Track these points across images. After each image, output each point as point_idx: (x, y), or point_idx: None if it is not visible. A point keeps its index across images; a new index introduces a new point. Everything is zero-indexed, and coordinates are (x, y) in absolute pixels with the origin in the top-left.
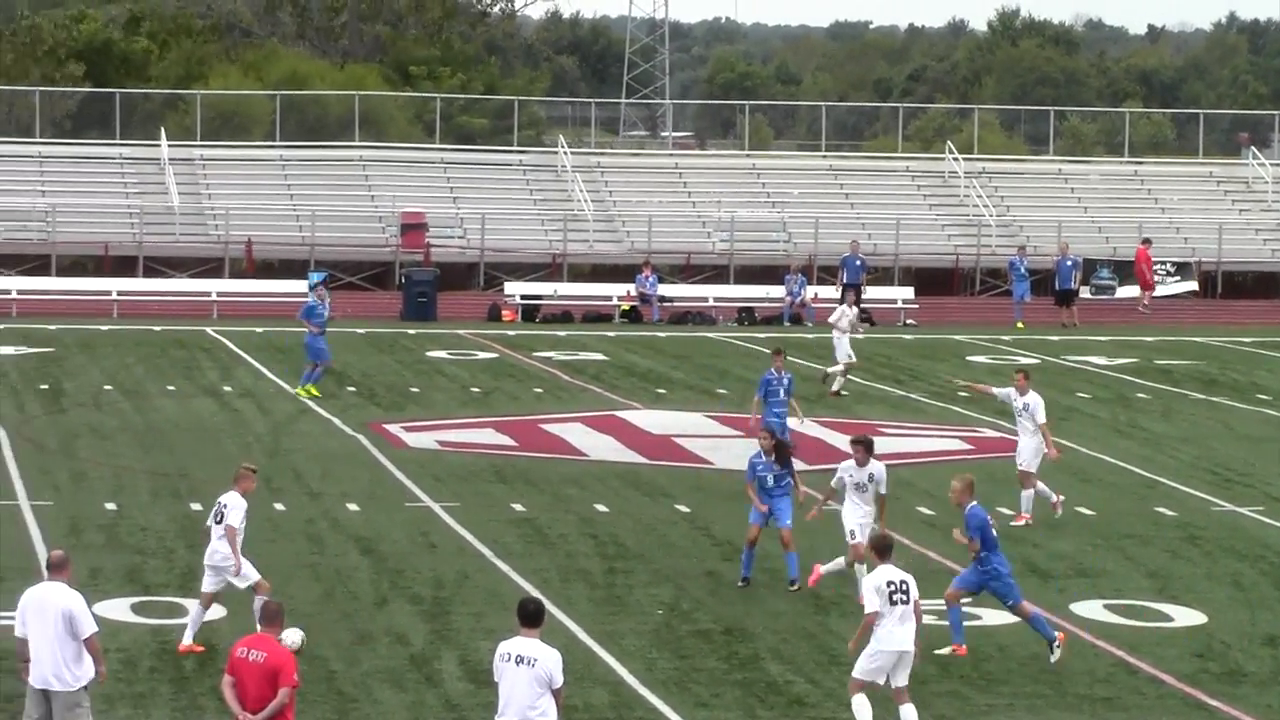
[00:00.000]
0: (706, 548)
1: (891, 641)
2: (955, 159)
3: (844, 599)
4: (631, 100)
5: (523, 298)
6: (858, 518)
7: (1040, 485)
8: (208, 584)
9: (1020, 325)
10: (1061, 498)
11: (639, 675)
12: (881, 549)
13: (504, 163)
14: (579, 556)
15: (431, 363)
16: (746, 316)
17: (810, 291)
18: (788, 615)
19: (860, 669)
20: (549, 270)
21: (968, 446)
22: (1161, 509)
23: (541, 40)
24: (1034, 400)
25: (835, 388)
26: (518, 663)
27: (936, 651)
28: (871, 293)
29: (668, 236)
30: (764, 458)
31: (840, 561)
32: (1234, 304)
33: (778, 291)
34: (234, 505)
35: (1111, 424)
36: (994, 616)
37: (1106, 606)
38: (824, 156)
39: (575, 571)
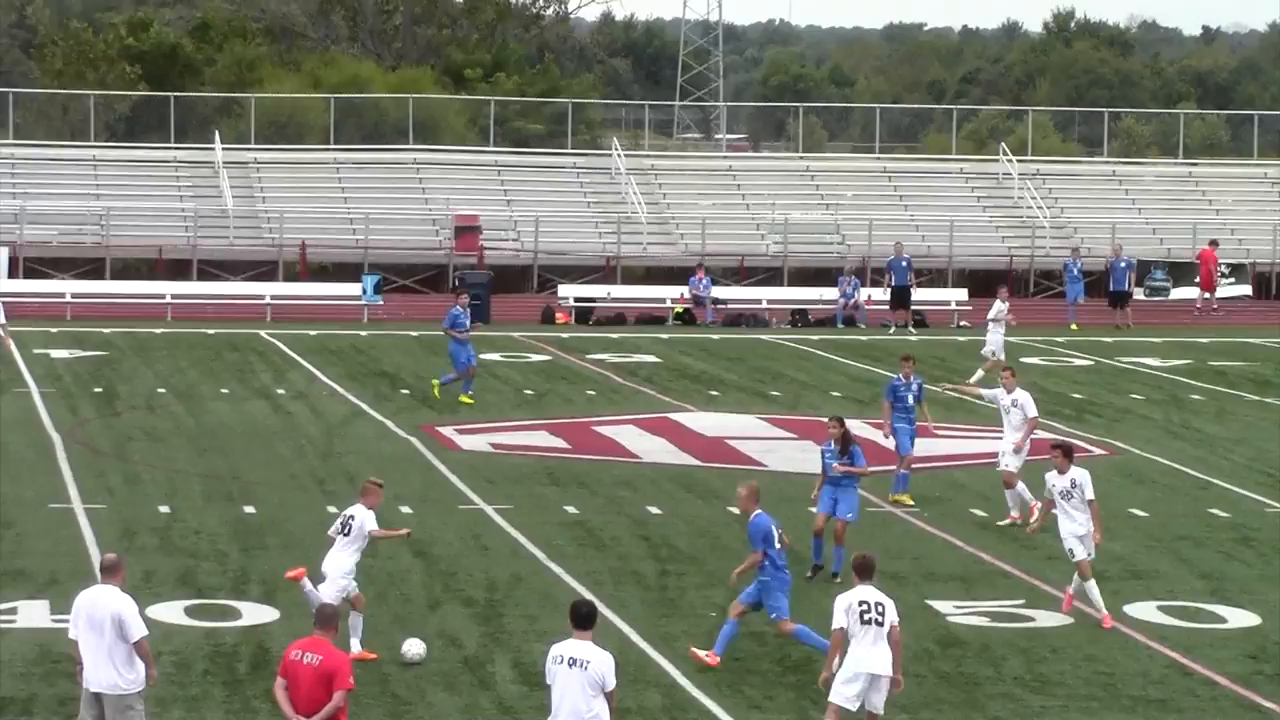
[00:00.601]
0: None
1: (862, 663)
2: (1009, 160)
3: (894, 599)
4: (685, 103)
5: (576, 300)
6: (1071, 530)
7: (1021, 486)
8: (330, 595)
9: (1074, 327)
10: (1039, 504)
11: (691, 678)
12: (861, 569)
13: (558, 165)
14: (631, 558)
15: (485, 365)
16: (800, 318)
17: (864, 293)
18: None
19: (836, 693)
20: (602, 273)
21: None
22: (1215, 510)
23: (595, 43)
24: (1023, 397)
25: (973, 379)
26: (570, 665)
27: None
28: (924, 294)
29: (721, 239)
30: (832, 446)
31: (1082, 584)
32: None
33: (831, 293)
34: (362, 516)
35: (1165, 425)
36: (1047, 619)
37: (1160, 608)
38: (877, 158)
39: (628, 573)
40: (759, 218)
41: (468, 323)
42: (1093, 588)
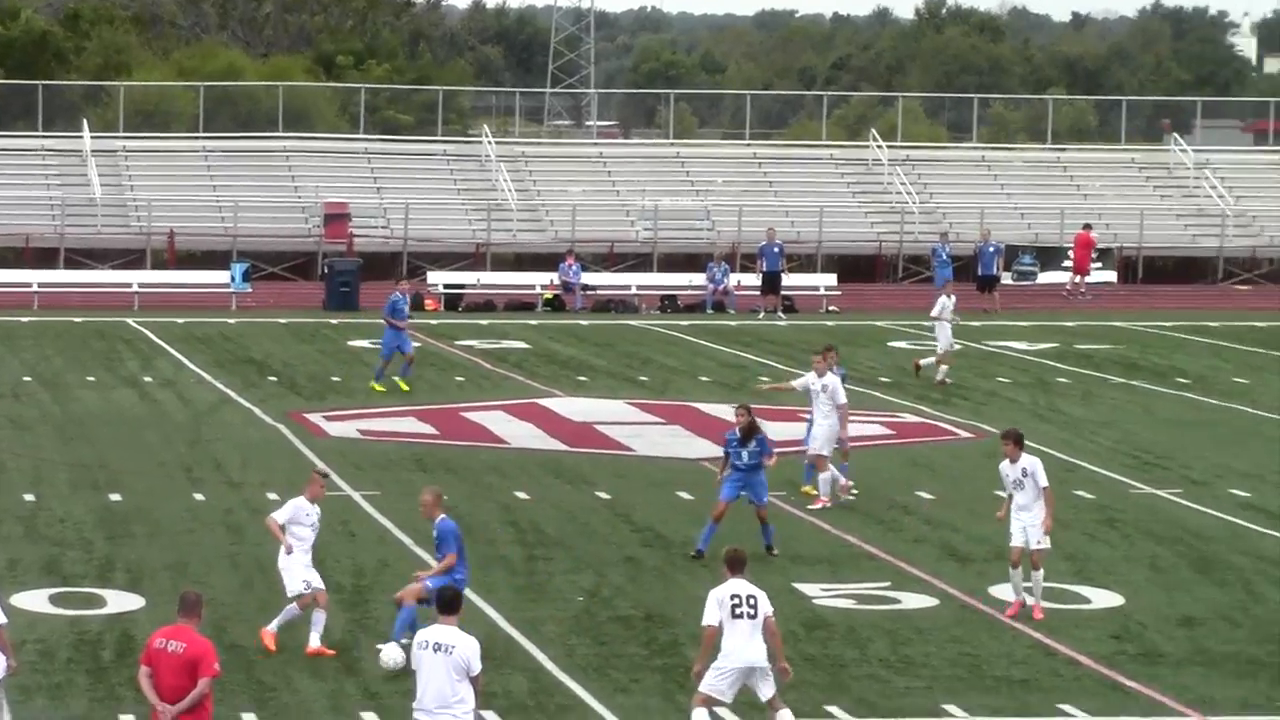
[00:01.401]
0: (627, 534)
1: (738, 657)
2: (879, 147)
3: (762, 583)
4: (556, 90)
5: (446, 287)
6: (1024, 520)
7: (833, 469)
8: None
9: None
10: (851, 483)
11: (559, 661)
12: (733, 563)
13: (428, 153)
14: (499, 544)
15: (353, 352)
16: (669, 304)
17: (733, 279)
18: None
19: (705, 683)
20: (472, 259)
21: (889, 432)
22: (1081, 492)
23: (466, 30)
24: (832, 382)
25: (939, 377)
26: (435, 650)
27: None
28: (794, 280)
29: (591, 225)
30: (736, 435)
31: (1033, 575)
32: (1155, 289)
33: (700, 279)
34: (286, 506)
35: (1032, 408)
36: (913, 600)
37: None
38: (748, 145)
39: (495, 559)
40: (629, 204)
41: (407, 310)
42: (1039, 580)
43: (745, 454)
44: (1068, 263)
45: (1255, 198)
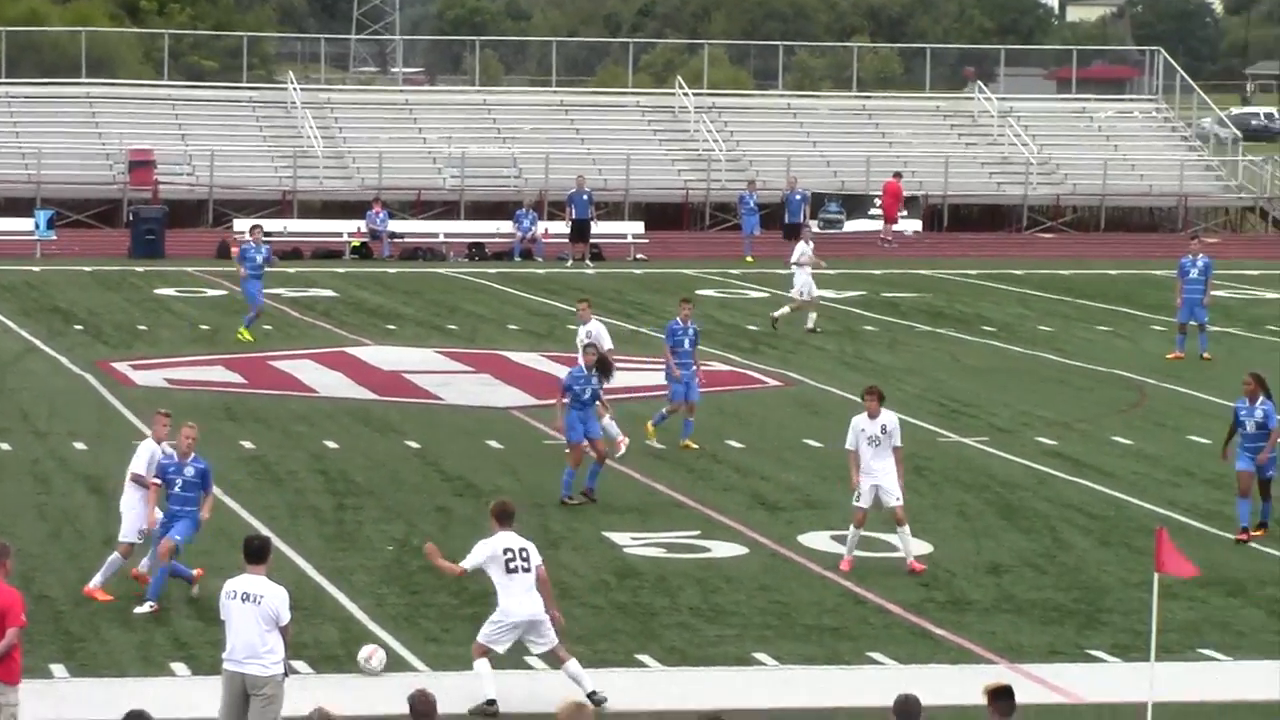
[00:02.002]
0: (437, 483)
1: (516, 611)
2: (685, 94)
3: (573, 532)
4: (361, 36)
5: None
6: (872, 478)
7: (607, 420)
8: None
9: (750, 259)
10: (626, 439)
11: (369, 611)
12: (502, 515)
13: (233, 99)
14: (308, 493)
15: (160, 300)
16: (477, 252)
17: (540, 227)
18: None
19: (483, 634)
20: (279, 207)
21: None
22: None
23: None
24: (597, 329)
25: (809, 325)
26: (244, 600)
27: (137, 611)
28: (602, 228)
29: (398, 173)
30: (584, 372)
31: (854, 534)
32: (959, 237)
33: (508, 227)
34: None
35: (839, 356)
36: (723, 549)
37: (834, 538)
38: (554, 92)
39: (305, 508)
40: (436, 152)
41: (259, 258)
42: (906, 535)
43: (590, 391)
44: (875, 211)
45: (1059, 146)
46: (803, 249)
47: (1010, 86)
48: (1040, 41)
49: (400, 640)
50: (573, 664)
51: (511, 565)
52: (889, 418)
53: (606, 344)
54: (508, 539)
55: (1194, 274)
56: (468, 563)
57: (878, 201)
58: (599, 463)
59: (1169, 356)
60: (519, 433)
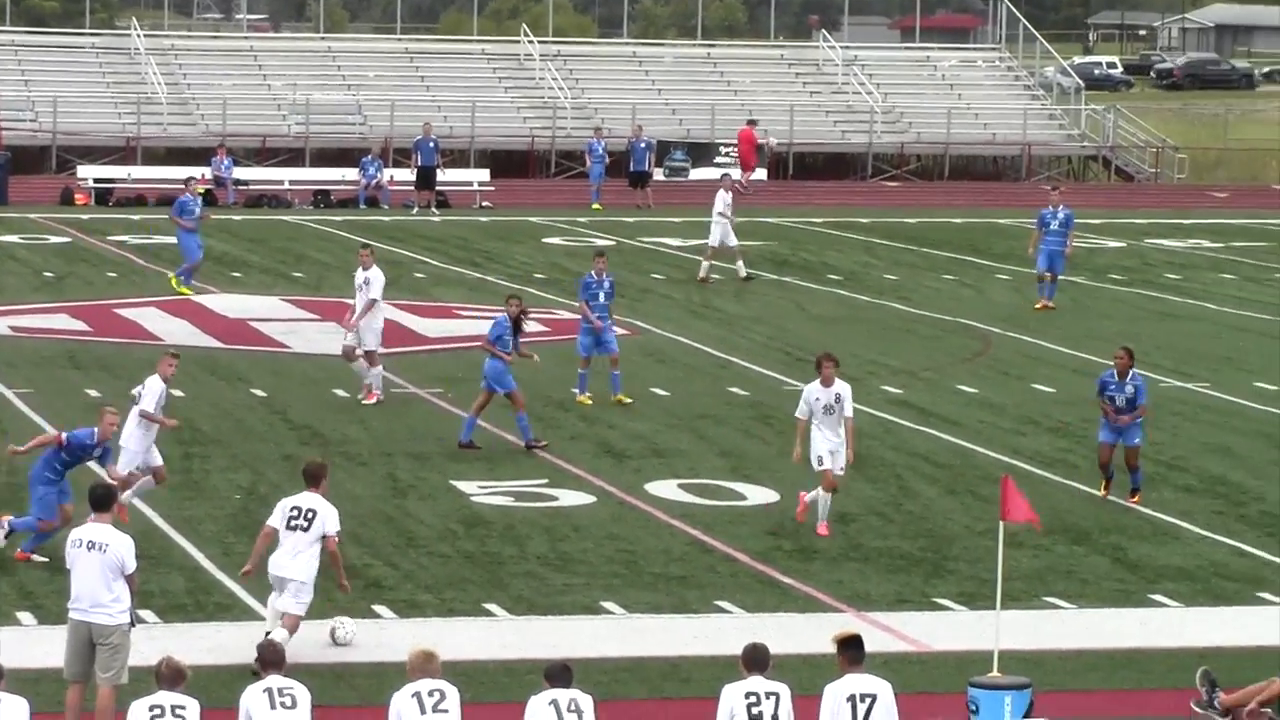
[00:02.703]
0: (284, 432)
1: (273, 564)
2: (530, 41)
3: (420, 481)
4: None
5: (96, 181)
6: (826, 444)
7: (362, 363)
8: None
9: (597, 207)
10: (379, 393)
11: (216, 560)
12: (304, 475)
13: (76, 45)
14: (155, 442)
15: (3, 247)
16: (322, 199)
17: (386, 174)
18: (366, 499)
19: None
20: (123, 153)
21: (545, 328)
22: (735, 389)
23: None
24: (376, 276)
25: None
26: (89, 548)
27: None
28: (447, 175)
29: (243, 120)
30: (508, 323)
31: (822, 495)
32: (805, 185)
33: (353, 174)
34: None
35: (686, 305)
36: (570, 498)
37: (681, 486)
38: (399, 39)
39: None
40: (280, 98)
41: (198, 210)
42: (827, 500)
43: (513, 340)
44: (720, 159)
45: (903, 94)
46: (725, 199)
47: (854, 35)
48: None
49: (248, 590)
50: (280, 633)
51: (292, 523)
52: (842, 387)
53: (376, 293)
54: (301, 499)
55: (1054, 225)
56: (271, 521)
57: (722, 148)
58: (520, 412)
59: (1037, 306)
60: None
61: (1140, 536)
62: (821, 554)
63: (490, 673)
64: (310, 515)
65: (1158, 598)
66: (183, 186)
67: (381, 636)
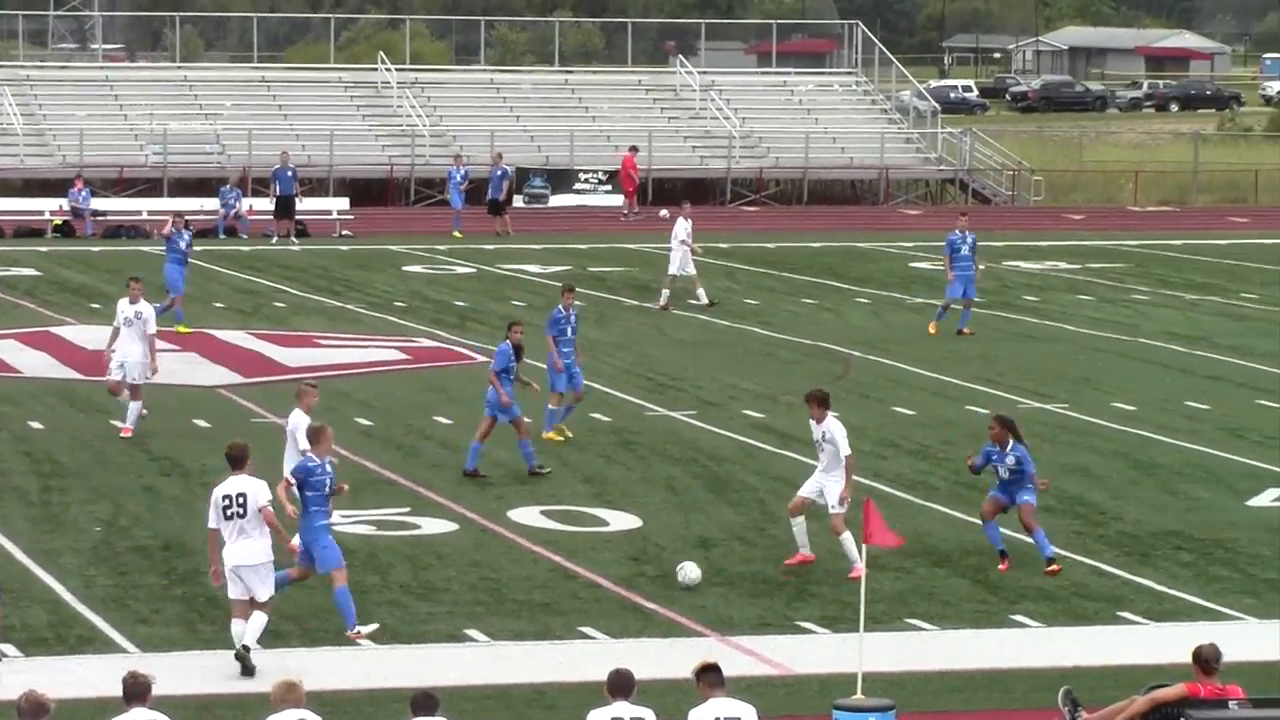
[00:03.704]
0: (144, 463)
1: (228, 557)
2: (387, 69)
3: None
4: (59, 13)
5: None
6: (815, 484)
7: (127, 395)
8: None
9: (457, 234)
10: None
11: (78, 593)
12: (228, 458)
13: None
14: (14, 474)
15: None
16: None
17: (245, 204)
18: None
19: (229, 588)
20: None
21: (405, 356)
22: (597, 415)
23: None
24: (147, 310)
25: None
26: None
27: None
28: (306, 204)
29: (100, 150)
30: (510, 351)
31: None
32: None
33: (212, 204)
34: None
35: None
36: (433, 525)
37: (544, 513)
38: (256, 68)
39: (10, 490)
40: (138, 128)
41: (183, 244)
42: (843, 543)
43: (516, 368)
44: (579, 185)
45: (761, 119)
46: (685, 226)
47: (711, 61)
48: (740, 16)
49: (110, 622)
50: (259, 616)
51: (229, 513)
52: (830, 425)
53: (153, 328)
54: (229, 485)
55: (965, 250)
56: (209, 522)
57: (584, 176)
58: (524, 439)
59: (931, 330)
60: (227, 411)
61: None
62: None
63: (355, 702)
64: (242, 499)
65: (1019, 618)
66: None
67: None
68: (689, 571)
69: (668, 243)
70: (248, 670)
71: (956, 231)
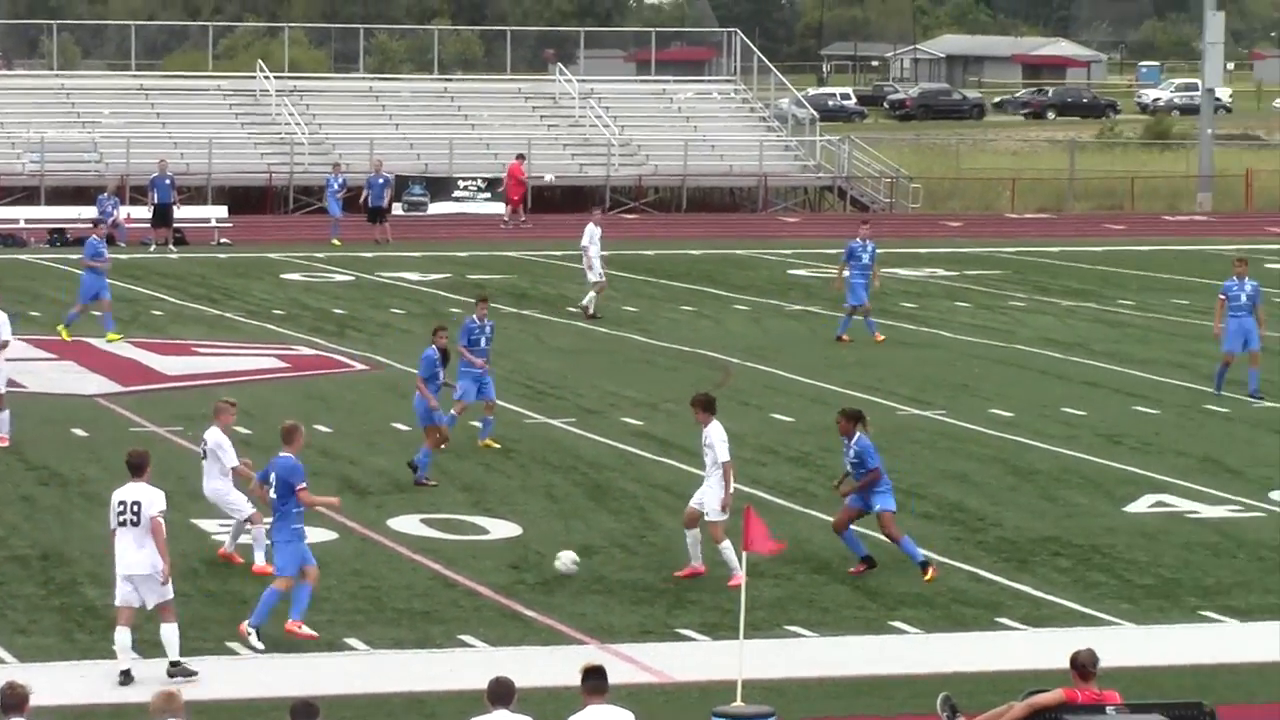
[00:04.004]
0: (21, 472)
1: (119, 564)
2: (266, 77)
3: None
4: None
5: None
6: (703, 490)
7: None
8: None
9: (336, 242)
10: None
11: None
12: (130, 466)
13: None
14: None
15: None
16: (59, 238)
17: (123, 212)
18: (105, 539)
19: (117, 595)
20: None
21: (285, 365)
22: (476, 423)
23: None
24: (2, 318)
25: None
26: None
27: None
28: (185, 212)
29: None
30: (437, 356)
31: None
32: (544, 217)
33: (90, 212)
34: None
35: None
36: (313, 534)
37: (423, 521)
38: (134, 76)
39: None
40: (14, 136)
41: (105, 252)
42: (721, 551)
43: (443, 373)
44: (458, 193)
45: (640, 127)
46: (592, 231)
47: (591, 69)
48: (618, 24)
49: None
50: (167, 629)
51: (121, 518)
52: (711, 431)
53: (8, 335)
54: (125, 492)
55: (865, 259)
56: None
57: (463, 184)
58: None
59: (842, 338)
60: (104, 420)
61: (879, 564)
62: (565, 587)
63: (234, 711)
64: (136, 507)
65: (898, 624)
66: (90, 227)
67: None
68: (565, 559)
69: (546, 250)
70: (187, 675)
71: (857, 240)
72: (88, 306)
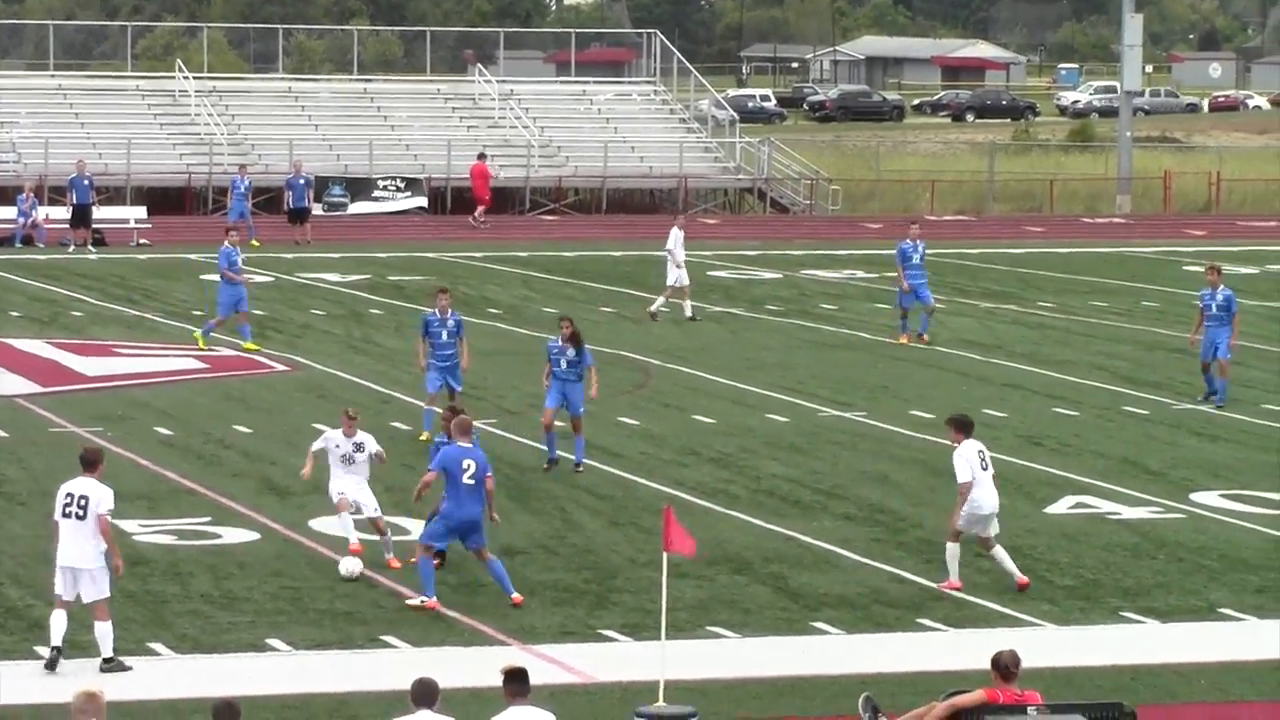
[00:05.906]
0: None
1: (59, 557)
2: (185, 78)
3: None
4: None
5: None
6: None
7: None
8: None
9: (256, 243)
10: None
11: None
12: (84, 461)
13: None
14: None
15: None
16: None
17: (42, 212)
18: (26, 539)
19: (55, 584)
20: None
21: (204, 365)
22: (397, 424)
23: None
24: None
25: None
26: None
27: None
28: (104, 213)
29: None
30: (559, 343)
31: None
32: (463, 219)
33: (8, 213)
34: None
35: (346, 340)
36: (234, 535)
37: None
38: (52, 76)
39: None
40: None
41: (239, 261)
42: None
43: (564, 361)
44: (378, 193)
45: (560, 128)
46: (677, 235)
47: (510, 70)
48: (537, 25)
49: None
50: (101, 626)
51: (67, 510)
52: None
53: None
54: (75, 485)
55: (916, 259)
56: (55, 514)
57: (382, 184)
58: (577, 435)
59: (904, 340)
60: (24, 421)
61: (801, 565)
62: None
63: (154, 712)
64: (83, 501)
65: (820, 625)
66: (227, 235)
67: (43, 677)
68: (350, 564)
69: (466, 251)
70: (122, 669)
71: (907, 240)
72: (226, 320)
